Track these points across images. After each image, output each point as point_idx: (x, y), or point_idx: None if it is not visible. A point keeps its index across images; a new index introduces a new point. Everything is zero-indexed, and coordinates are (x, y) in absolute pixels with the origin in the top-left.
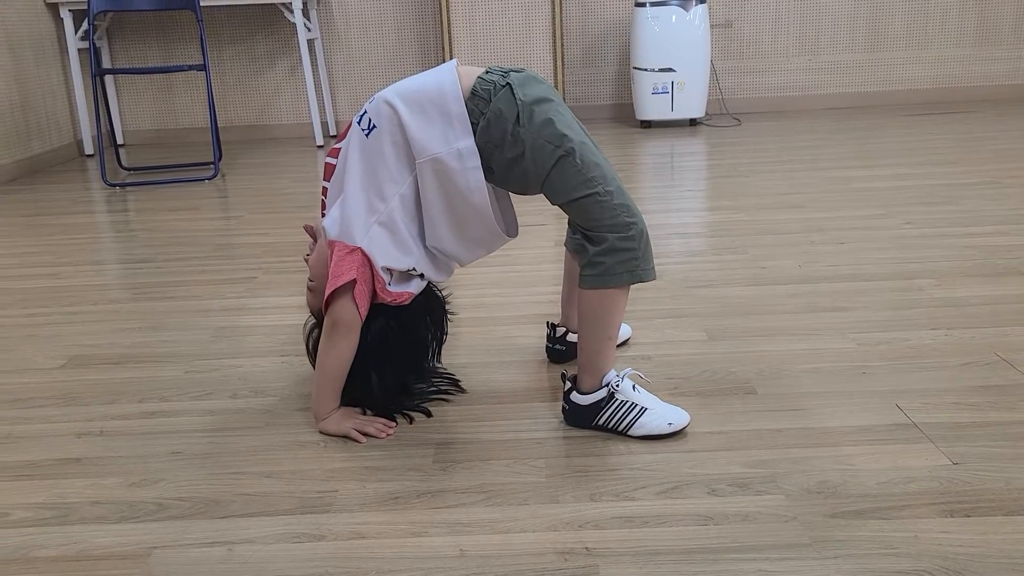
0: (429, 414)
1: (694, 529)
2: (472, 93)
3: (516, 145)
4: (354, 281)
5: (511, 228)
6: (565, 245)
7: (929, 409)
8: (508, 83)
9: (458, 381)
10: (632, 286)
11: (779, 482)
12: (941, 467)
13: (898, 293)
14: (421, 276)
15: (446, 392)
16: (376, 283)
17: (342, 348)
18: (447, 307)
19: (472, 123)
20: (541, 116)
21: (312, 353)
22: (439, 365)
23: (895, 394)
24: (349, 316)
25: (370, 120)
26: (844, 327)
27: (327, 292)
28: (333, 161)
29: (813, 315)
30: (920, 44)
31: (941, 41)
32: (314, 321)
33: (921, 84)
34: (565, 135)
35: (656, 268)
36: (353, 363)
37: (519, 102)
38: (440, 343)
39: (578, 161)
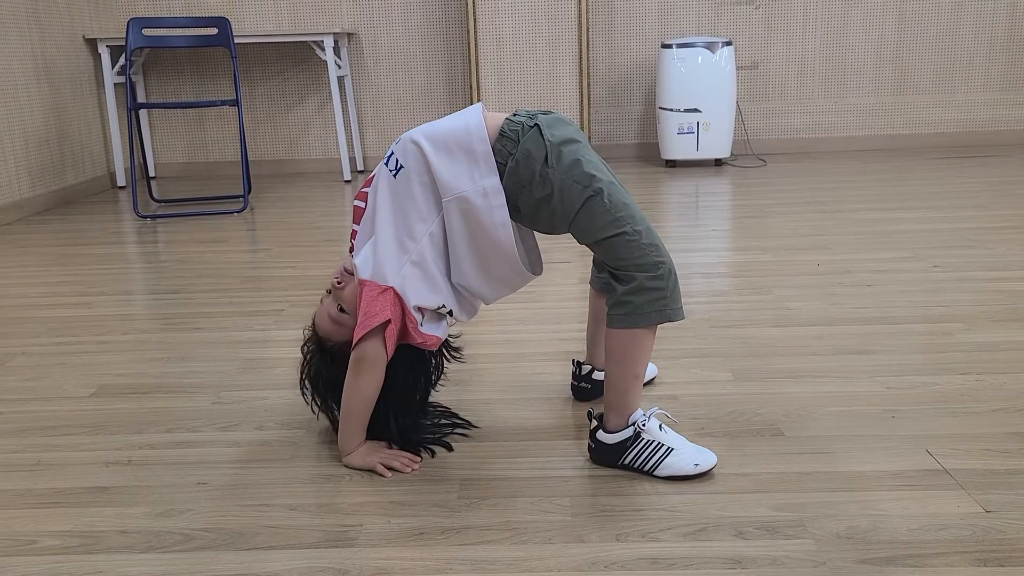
0: (450, 448)
1: (721, 572)
2: (500, 134)
3: (544, 185)
4: (388, 321)
5: (535, 266)
6: (590, 284)
7: (960, 455)
8: (536, 124)
9: (463, 419)
10: (658, 325)
11: (808, 526)
12: (974, 515)
13: (926, 337)
14: (450, 314)
15: (460, 427)
16: (408, 322)
17: (366, 384)
18: (450, 350)
19: (500, 163)
20: (569, 157)
21: (303, 375)
22: (439, 404)
23: (925, 439)
24: (374, 353)
25: (397, 161)
26: (872, 370)
27: (359, 332)
28: (361, 204)
29: (840, 357)
30: (948, 88)
31: (969, 85)
32: (309, 345)
33: (948, 128)
34: (593, 175)
35: (684, 308)
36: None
37: (547, 143)
38: (432, 380)
39: (606, 201)
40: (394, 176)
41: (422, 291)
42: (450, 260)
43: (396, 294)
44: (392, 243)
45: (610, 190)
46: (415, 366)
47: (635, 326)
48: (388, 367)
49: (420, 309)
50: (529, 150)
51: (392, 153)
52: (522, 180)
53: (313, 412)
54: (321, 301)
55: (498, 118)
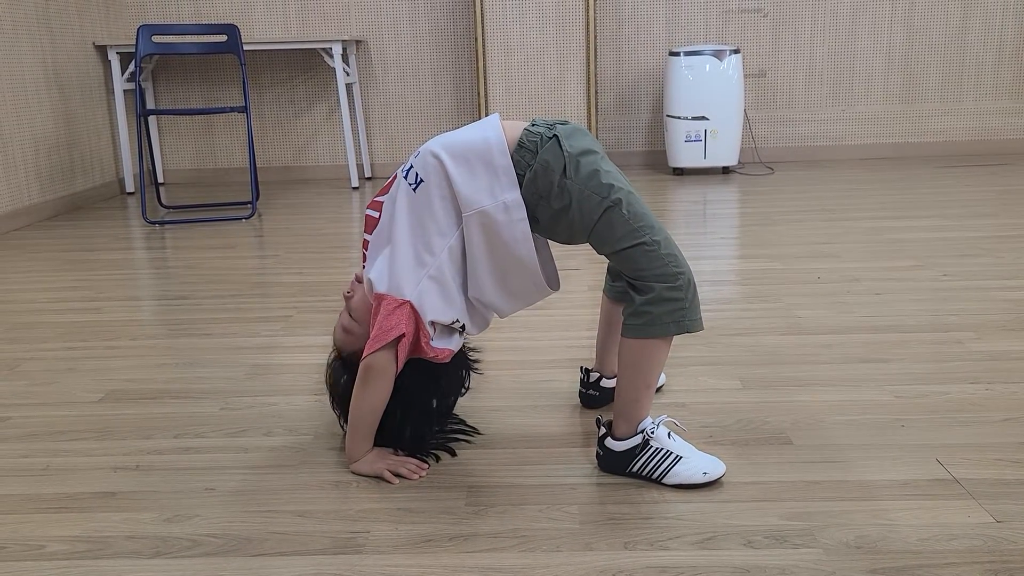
0: (453, 453)
1: None
2: (519, 145)
3: (563, 196)
4: (403, 335)
5: (552, 281)
6: (604, 292)
7: (970, 465)
8: (555, 135)
9: (471, 425)
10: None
11: (817, 535)
12: (984, 525)
13: (936, 346)
14: (462, 330)
15: (466, 433)
16: (422, 336)
17: (374, 393)
18: (471, 364)
19: (518, 174)
20: (588, 167)
21: (331, 387)
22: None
23: (935, 448)
24: (384, 363)
25: (417, 174)
26: (881, 379)
27: (374, 345)
28: (375, 214)
29: (849, 366)
30: (955, 96)
31: (977, 93)
32: (337, 360)
33: (957, 136)
34: (612, 186)
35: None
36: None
37: (566, 154)
38: (461, 392)
39: (625, 212)
40: (414, 190)
41: (438, 305)
42: (468, 274)
43: (413, 308)
44: (410, 257)
45: (629, 200)
46: (443, 380)
47: (651, 336)
48: (414, 380)
49: (434, 323)
50: (547, 161)
51: (412, 166)
52: (540, 191)
53: (343, 428)
54: (340, 315)
55: (517, 128)
